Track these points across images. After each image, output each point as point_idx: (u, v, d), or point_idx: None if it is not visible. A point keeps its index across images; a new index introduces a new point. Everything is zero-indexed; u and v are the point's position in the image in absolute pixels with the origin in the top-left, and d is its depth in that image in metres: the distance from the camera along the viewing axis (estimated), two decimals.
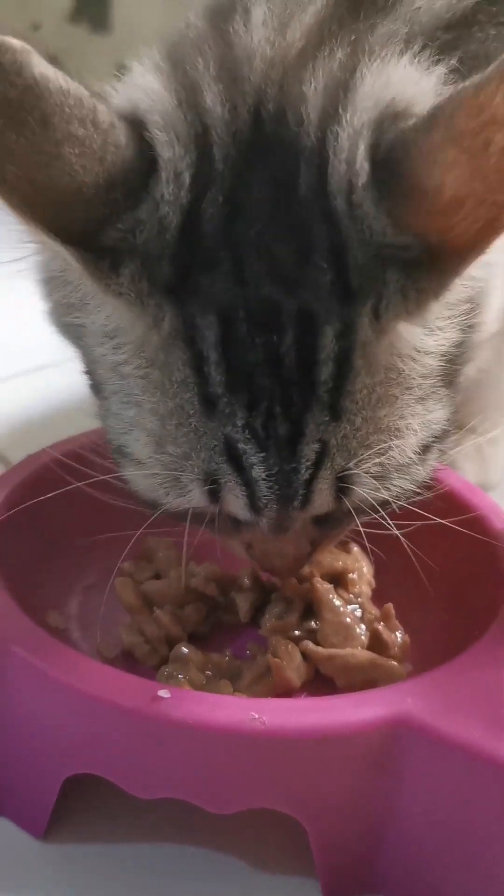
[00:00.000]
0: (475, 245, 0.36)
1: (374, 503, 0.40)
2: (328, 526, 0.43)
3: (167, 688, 0.39)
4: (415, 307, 0.38)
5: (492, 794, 0.38)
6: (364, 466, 0.39)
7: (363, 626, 0.49)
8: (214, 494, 0.39)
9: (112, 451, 0.43)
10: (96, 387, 0.44)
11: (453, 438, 0.45)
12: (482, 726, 0.38)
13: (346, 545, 0.51)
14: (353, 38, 0.40)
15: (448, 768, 0.39)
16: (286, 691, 0.46)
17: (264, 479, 0.39)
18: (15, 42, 0.34)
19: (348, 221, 0.37)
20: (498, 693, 0.40)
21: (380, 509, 0.40)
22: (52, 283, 0.43)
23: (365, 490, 0.39)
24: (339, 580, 0.51)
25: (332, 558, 0.50)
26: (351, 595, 0.50)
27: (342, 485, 0.39)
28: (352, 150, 0.37)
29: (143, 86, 0.39)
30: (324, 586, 0.49)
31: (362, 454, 0.39)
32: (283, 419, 0.38)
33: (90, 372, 0.44)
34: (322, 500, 0.40)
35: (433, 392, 0.41)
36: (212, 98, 0.39)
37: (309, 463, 0.39)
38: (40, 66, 0.34)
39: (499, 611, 0.45)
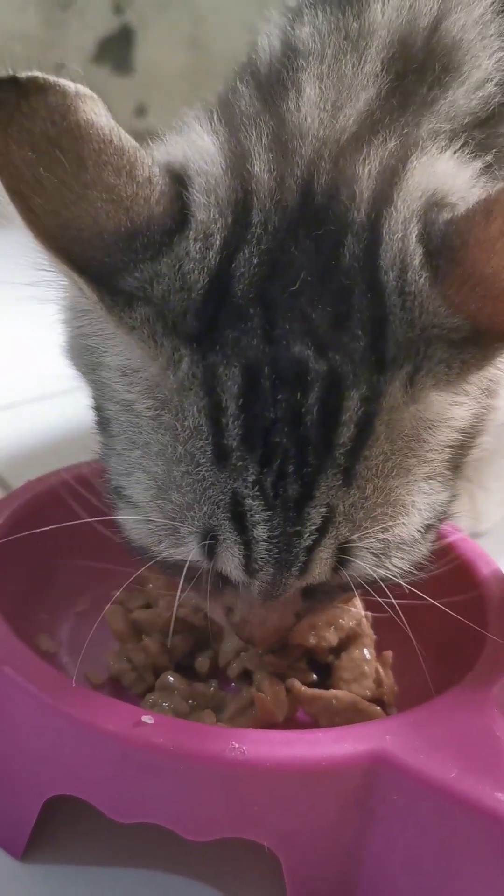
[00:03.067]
0: None
1: (371, 578, 0.40)
2: (316, 599, 0.43)
3: (150, 714, 0.40)
4: (455, 377, 0.39)
5: (464, 833, 0.39)
6: (367, 541, 0.39)
7: (368, 668, 0.50)
8: (210, 551, 0.39)
9: (109, 492, 0.43)
10: (103, 424, 0.44)
11: None
12: (457, 766, 0.39)
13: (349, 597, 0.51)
14: (404, 130, 0.43)
15: (422, 807, 0.39)
16: (268, 725, 0.47)
17: (265, 541, 0.38)
18: (69, 85, 0.36)
19: (396, 297, 0.38)
20: (474, 734, 0.41)
21: (378, 583, 0.41)
22: (71, 315, 0.44)
23: (364, 565, 0.39)
24: (350, 638, 0.51)
25: (337, 614, 0.50)
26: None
27: (342, 556, 0.39)
28: (405, 233, 0.39)
29: (199, 146, 0.41)
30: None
31: (367, 527, 0.39)
32: (294, 479, 0.38)
33: (99, 408, 0.44)
34: (320, 569, 0.39)
35: (442, 472, 0.42)
36: (260, 166, 0.40)
37: (314, 528, 0.38)
38: (89, 113, 0.36)
39: (480, 654, 0.46)
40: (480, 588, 0.51)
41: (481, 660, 0.46)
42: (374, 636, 0.51)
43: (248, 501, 0.38)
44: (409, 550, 0.41)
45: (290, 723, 0.48)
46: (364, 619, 0.51)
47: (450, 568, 0.51)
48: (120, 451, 0.42)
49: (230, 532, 0.39)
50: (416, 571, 0.42)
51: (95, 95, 0.37)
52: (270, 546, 0.39)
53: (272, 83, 0.45)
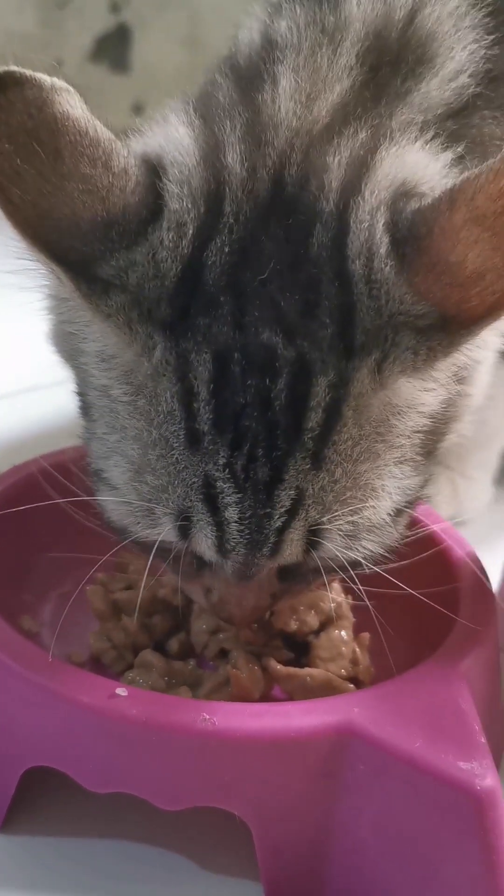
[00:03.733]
0: (491, 313, 0.38)
1: (342, 562, 0.41)
2: (292, 580, 0.44)
3: (124, 687, 0.41)
4: (423, 364, 0.40)
5: (430, 802, 0.40)
6: (336, 523, 0.40)
7: (345, 649, 0.51)
8: (184, 531, 0.40)
9: (90, 475, 0.45)
10: (85, 408, 0.45)
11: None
12: (422, 737, 0.40)
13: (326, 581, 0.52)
14: (375, 122, 0.44)
15: (390, 778, 0.40)
16: (244, 702, 0.48)
17: (236, 522, 0.39)
18: (45, 79, 0.37)
19: (363, 286, 0.39)
20: (440, 706, 0.42)
21: (348, 569, 0.41)
22: (54, 303, 0.45)
23: (334, 547, 0.40)
24: (330, 619, 0.51)
25: (317, 597, 0.51)
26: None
27: (313, 538, 0.40)
28: (372, 222, 0.40)
29: (175, 139, 0.42)
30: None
31: (336, 510, 0.40)
32: (264, 462, 0.39)
33: (81, 393, 0.46)
34: (291, 550, 0.40)
35: (413, 457, 0.42)
36: (233, 157, 0.42)
37: (283, 510, 0.39)
38: (64, 105, 0.37)
39: (451, 630, 0.47)
40: (454, 570, 0.52)
41: (451, 636, 0.47)
42: (353, 619, 0.52)
43: (220, 484, 0.39)
44: (380, 533, 0.42)
45: (266, 700, 0.49)
46: (344, 603, 0.52)
47: (423, 550, 0.52)
48: (100, 436, 0.43)
49: (203, 513, 0.40)
50: (387, 555, 0.43)
51: (71, 88, 0.38)
52: (242, 527, 0.40)
53: (250, 75, 0.46)
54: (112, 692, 0.41)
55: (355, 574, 0.43)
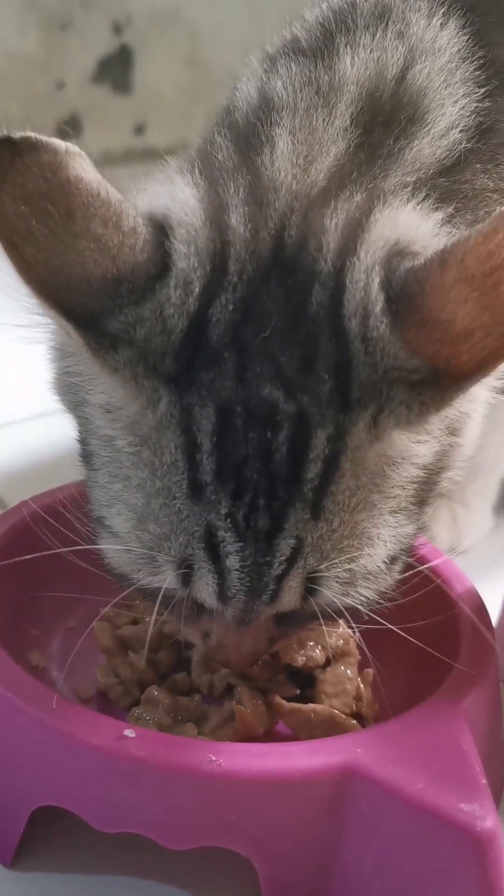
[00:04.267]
0: (480, 369, 0.40)
1: (339, 608, 0.42)
2: (288, 625, 0.45)
3: (133, 727, 0.42)
4: (416, 418, 0.41)
5: (431, 842, 0.41)
6: (334, 571, 0.41)
7: (350, 686, 0.51)
8: (186, 579, 0.41)
9: (92, 522, 0.45)
10: (87, 457, 0.46)
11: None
12: (424, 777, 0.41)
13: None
14: (370, 185, 0.45)
15: (392, 817, 0.41)
16: (249, 737, 0.49)
17: (237, 570, 0.41)
18: (59, 144, 0.39)
19: (359, 343, 0.41)
20: (442, 747, 0.43)
21: (345, 614, 0.43)
22: (58, 354, 0.46)
23: (332, 594, 0.42)
24: (336, 655, 0.52)
25: (324, 633, 0.51)
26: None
27: (311, 585, 0.41)
28: (367, 281, 0.41)
29: (181, 199, 0.44)
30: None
31: (334, 558, 0.41)
32: (265, 512, 0.40)
33: (83, 441, 0.47)
34: (289, 597, 0.42)
35: (407, 507, 0.44)
36: (236, 218, 0.43)
37: (283, 558, 0.41)
38: (78, 169, 0.39)
39: (452, 667, 0.48)
40: (454, 606, 0.53)
41: (452, 675, 0.47)
42: (359, 656, 0.53)
43: (221, 533, 0.41)
44: (375, 580, 0.43)
45: (270, 735, 0.50)
46: (351, 639, 0.53)
47: (425, 587, 0.53)
48: (102, 484, 0.44)
49: (204, 562, 0.41)
50: (381, 601, 0.44)
51: (83, 153, 0.40)
52: (242, 575, 0.41)
53: (248, 135, 0.47)
54: (120, 733, 0.42)
55: (354, 614, 0.43)
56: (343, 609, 0.43)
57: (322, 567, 0.41)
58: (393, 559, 0.44)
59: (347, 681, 0.52)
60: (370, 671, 0.53)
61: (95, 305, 0.40)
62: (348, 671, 0.52)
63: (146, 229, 0.41)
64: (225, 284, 0.41)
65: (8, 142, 0.38)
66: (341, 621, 0.51)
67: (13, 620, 0.52)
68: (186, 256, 0.41)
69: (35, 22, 1.45)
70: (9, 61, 1.45)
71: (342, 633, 0.52)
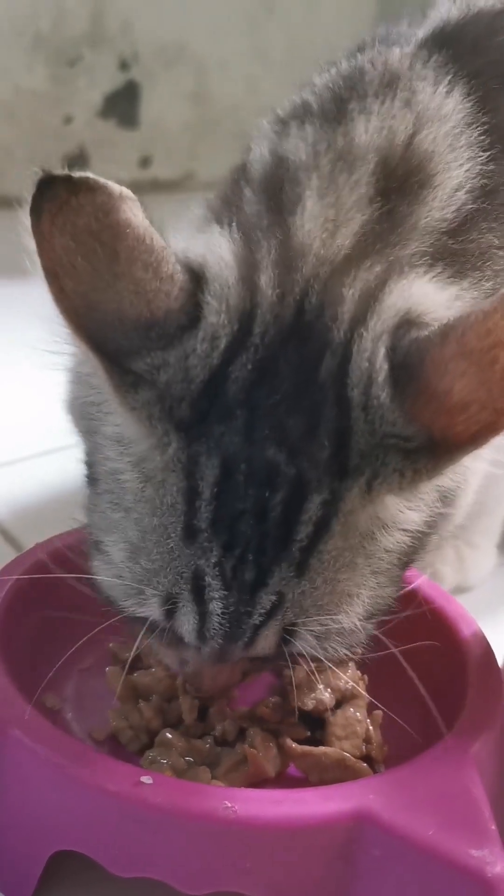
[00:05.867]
0: (473, 441, 0.41)
1: (312, 655, 0.44)
2: (261, 662, 0.47)
3: (150, 774, 0.43)
4: (408, 485, 0.42)
5: (441, 888, 0.41)
6: (310, 626, 0.43)
7: (360, 728, 0.52)
8: (170, 613, 0.43)
9: (88, 543, 0.47)
10: (92, 481, 0.48)
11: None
12: (435, 824, 0.42)
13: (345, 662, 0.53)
14: (390, 257, 0.47)
15: (403, 863, 0.42)
16: (260, 780, 0.50)
17: (218, 615, 0.43)
18: (115, 188, 0.40)
19: (359, 412, 0.42)
20: (452, 793, 0.44)
21: (321, 660, 0.45)
22: (77, 380, 0.48)
23: (305, 645, 0.44)
24: (345, 697, 0.53)
25: (333, 675, 0.52)
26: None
27: (286, 636, 0.43)
28: (373, 352, 0.43)
29: (217, 253, 0.45)
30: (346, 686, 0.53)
31: (312, 613, 0.43)
32: (252, 566, 0.42)
33: (90, 464, 0.48)
34: (264, 644, 0.44)
35: (389, 569, 0.46)
36: (265, 280, 0.45)
37: (263, 611, 0.43)
38: (128, 213, 0.41)
39: (461, 713, 0.49)
40: (462, 649, 0.54)
41: (461, 720, 0.48)
42: (368, 698, 0.54)
43: (209, 579, 0.42)
44: (348, 636, 0.45)
45: (281, 777, 0.51)
46: (361, 681, 0.54)
47: (432, 630, 0.54)
48: (103, 509, 0.46)
49: (188, 602, 0.43)
50: (351, 655, 0.47)
51: (136, 198, 0.41)
52: (223, 620, 0.43)
53: (276, 192, 0.49)
54: (137, 780, 0.43)
55: (363, 654, 0.45)
56: (316, 657, 0.44)
57: (299, 621, 0.43)
58: (369, 617, 0.46)
59: (357, 723, 0.53)
60: (379, 713, 0.53)
61: (125, 344, 0.42)
62: (358, 713, 0.53)
63: (182, 276, 0.43)
64: (248, 344, 0.43)
65: (68, 180, 0.39)
66: (351, 663, 0.53)
67: (29, 662, 0.53)
68: (217, 312, 0.43)
69: (43, 59, 1.48)
70: (18, 96, 1.48)
71: (351, 676, 0.53)
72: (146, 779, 0.43)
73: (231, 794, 0.43)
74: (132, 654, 0.49)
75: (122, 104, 1.59)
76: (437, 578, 0.71)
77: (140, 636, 0.46)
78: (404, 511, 0.45)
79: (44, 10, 1.45)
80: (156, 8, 1.54)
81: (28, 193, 0.40)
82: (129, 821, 0.42)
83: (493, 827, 0.42)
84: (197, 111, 1.67)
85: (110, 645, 0.55)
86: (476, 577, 0.73)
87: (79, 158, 1.55)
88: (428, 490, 0.44)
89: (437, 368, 0.41)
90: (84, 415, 0.48)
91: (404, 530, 0.45)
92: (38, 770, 0.44)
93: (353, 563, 0.44)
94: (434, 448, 0.42)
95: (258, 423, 0.42)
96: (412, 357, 0.42)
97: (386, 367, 0.42)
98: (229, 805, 0.42)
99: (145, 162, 1.63)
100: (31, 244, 0.40)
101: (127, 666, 0.51)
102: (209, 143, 1.67)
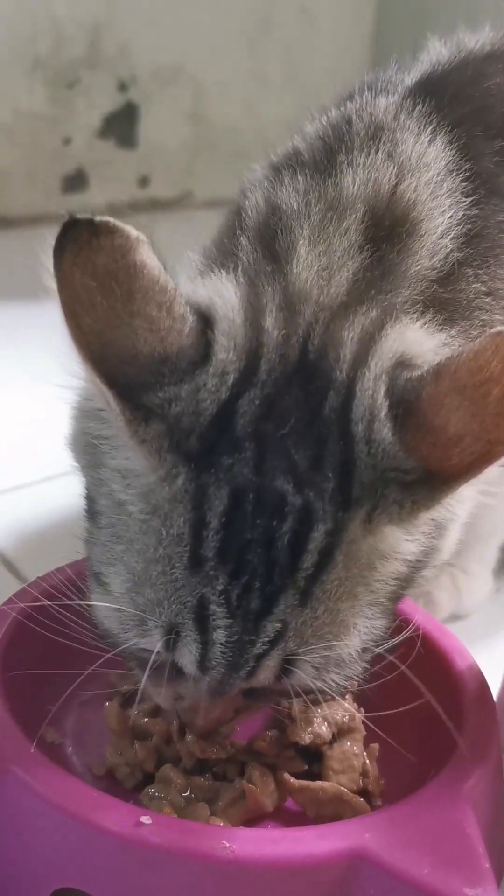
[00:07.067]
0: (468, 472, 0.43)
1: (308, 688, 0.45)
2: (255, 699, 0.48)
3: (149, 813, 0.44)
4: (407, 515, 0.44)
5: None
6: (310, 655, 0.44)
7: (356, 762, 0.53)
8: (171, 644, 0.44)
9: (88, 576, 0.48)
10: (93, 514, 0.49)
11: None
12: (429, 862, 0.43)
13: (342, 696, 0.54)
14: (384, 303, 0.49)
15: None
16: (258, 814, 0.50)
17: (221, 644, 0.43)
18: (132, 231, 0.42)
19: (363, 445, 0.44)
20: (446, 831, 0.44)
21: (315, 693, 0.45)
22: (81, 414, 0.49)
23: (305, 675, 0.44)
24: (342, 731, 0.54)
25: (330, 709, 0.54)
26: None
27: (287, 666, 0.44)
28: (375, 390, 0.45)
29: (224, 295, 0.47)
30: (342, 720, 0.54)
31: (313, 644, 0.44)
32: (258, 594, 0.43)
33: (91, 499, 0.49)
34: (265, 675, 0.44)
35: (383, 601, 0.47)
36: (271, 322, 0.47)
37: (267, 639, 0.43)
38: (144, 255, 0.42)
39: (456, 749, 0.50)
40: (457, 682, 0.54)
41: (455, 756, 0.49)
42: (365, 732, 0.55)
43: (214, 607, 0.43)
44: (346, 667, 0.46)
45: (279, 811, 0.52)
46: (357, 715, 0.55)
47: (426, 662, 0.54)
48: (105, 542, 0.47)
49: (192, 631, 0.44)
50: (347, 686, 0.47)
51: (148, 240, 0.43)
52: (225, 649, 0.44)
53: (270, 241, 0.51)
54: (137, 819, 0.43)
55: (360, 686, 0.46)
56: (312, 690, 0.45)
57: (300, 651, 0.44)
58: (364, 650, 0.47)
59: (354, 757, 0.53)
60: (376, 746, 0.54)
61: (137, 379, 0.43)
62: (354, 747, 0.54)
63: (192, 317, 0.45)
64: (255, 381, 0.45)
65: (90, 223, 0.41)
66: (348, 696, 0.54)
67: (30, 696, 0.54)
68: (226, 349, 0.45)
69: (42, 80, 1.49)
70: (17, 118, 1.49)
71: (348, 710, 0.54)
72: (146, 819, 0.43)
73: (230, 833, 0.44)
74: (131, 689, 0.49)
75: (121, 125, 1.60)
76: (433, 605, 0.72)
77: (139, 671, 0.46)
78: (401, 542, 0.46)
79: (43, 33, 1.46)
80: (153, 30, 1.56)
81: (51, 237, 0.41)
82: (129, 860, 0.43)
83: (487, 865, 0.43)
84: (195, 131, 1.68)
85: (110, 676, 0.55)
86: (472, 604, 0.74)
87: (78, 179, 1.57)
88: (425, 521, 0.45)
89: (433, 404, 0.43)
90: (86, 449, 0.49)
91: (402, 560, 0.47)
92: (39, 808, 0.45)
93: (352, 592, 0.45)
94: (431, 479, 0.43)
95: (267, 455, 0.44)
96: (409, 394, 0.44)
97: (386, 404, 0.44)
98: (228, 845, 0.42)
99: (144, 181, 1.64)
100: (51, 284, 0.42)
101: (124, 700, 0.52)
102: (207, 163, 1.68)
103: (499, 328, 0.42)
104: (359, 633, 0.46)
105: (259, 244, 0.52)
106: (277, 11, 1.68)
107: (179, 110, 1.65)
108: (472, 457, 0.42)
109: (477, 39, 0.64)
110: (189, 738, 0.52)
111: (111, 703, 0.54)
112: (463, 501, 0.46)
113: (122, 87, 1.58)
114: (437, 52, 0.62)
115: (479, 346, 0.42)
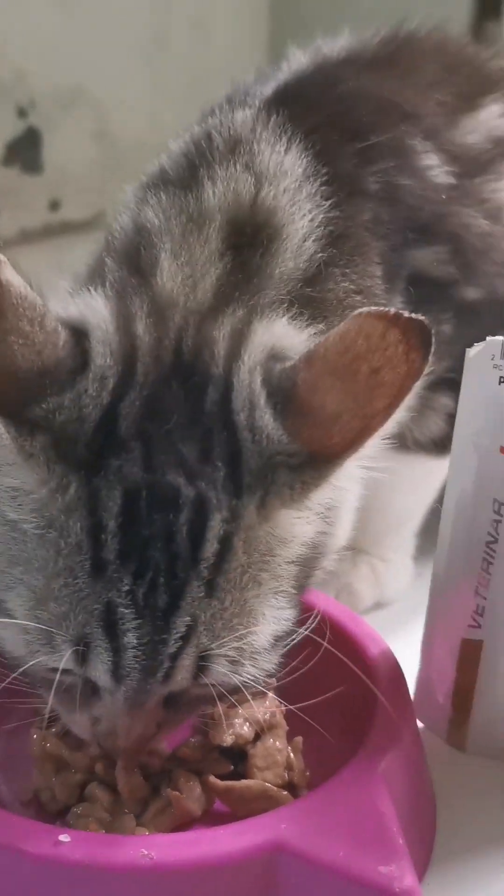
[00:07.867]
0: (351, 447, 0.45)
1: (228, 686, 0.46)
2: (176, 709, 0.48)
3: (67, 832, 0.44)
4: (298, 496, 0.46)
5: None
6: (224, 649, 0.45)
7: (280, 757, 0.54)
8: (82, 657, 0.44)
9: None
10: None
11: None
12: (345, 846, 0.44)
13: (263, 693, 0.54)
14: (250, 302, 0.52)
15: (320, 888, 0.44)
16: (188, 820, 0.51)
17: (133, 648, 0.44)
18: None
19: (247, 433, 0.46)
20: (361, 813, 0.46)
21: (228, 696, 0.46)
22: None
23: (221, 670, 0.45)
24: (264, 729, 0.55)
25: (254, 709, 0.54)
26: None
27: (201, 663, 0.45)
28: (251, 381, 0.47)
29: (95, 308, 0.49)
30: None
31: (224, 636, 0.45)
32: (164, 590, 0.44)
33: None
34: (182, 676, 0.45)
35: (287, 589, 0.48)
36: (143, 329, 0.49)
37: (178, 636, 0.44)
38: (7, 274, 0.44)
39: (369, 734, 0.51)
40: (370, 668, 0.56)
41: (369, 738, 0.50)
42: (287, 727, 0.56)
43: (121, 610, 0.44)
44: (261, 659, 0.47)
45: (208, 814, 0.52)
46: (278, 711, 0.55)
47: (340, 650, 0.55)
48: (2, 569, 0.46)
49: (101, 639, 0.44)
50: (265, 679, 0.48)
51: (7, 260, 0.44)
52: (138, 653, 0.44)
53: (135, 258, 0.53)
54: (56, 839, 0.44)
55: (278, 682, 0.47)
56: (226, 693, 0.46)
57: (213, 645, 0.45)
58: (276, 640, 0.48)
59: (277, 752, 0.54)
60: (299, 739, 0.55)
61: (19, 395, 0.44)
62: (277, 743, 0.55)
63: (65, 331, 0.46)
64: (133, 383, 0.46)
65: None
66: (270, 694, 0.55)
67: None
68: (103, 355, 0.46)
69: None
70: None
71: (269, 706, 0.55)
72: (64, 837, 0.44)
73: (147, 841, 0.44)
74: (45, 714, 0.50)
75: (24, 151, 1.60)
76: (354, 596, 0.73)
77: (47, 694, 0.46)
78: (297, 523, 0.47)
79: None
80: (49, 53, 1.56)
81: None
82: (52, 881, 0.44)
83: (401, 841, 0.44)
84: (101, 150, 1.68)
85: (36, 708, 0.55)
86: (393, 591, 0.75)
87: None
88: (316, 499, 0.47)
89: (309, 388, 0.45)
90: None
91: (299, 543, 0.48)
92: None
93: (256, 580, 0.46)
94: (317, 460, 0.45)
95: (154, 452, 0.45)
96: (286, 382, 0.46)
97: (264, 393, 0.46)
98: (146, 852, 0.43)
99: (54, 205, 1.64)
100: None
101: (47, 726, 0.52)
102: (117, 181, 1.66)
103: (360, 309, 0.44)
104: (268, 623, 0.47)
105: (124, 263, 0.53)
106: (173, 27, 1.69)
107: (83, 131, 1.65)
108: (352, 433, 0.44)
109: (334, 46, 0.66)
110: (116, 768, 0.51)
111: (35, 731, 0.54)
112: (352, 479, 0.48)
113: (22, 112, 1.58)
114: (297, 61, 0.64)
115: (345, 328, 0.44)
